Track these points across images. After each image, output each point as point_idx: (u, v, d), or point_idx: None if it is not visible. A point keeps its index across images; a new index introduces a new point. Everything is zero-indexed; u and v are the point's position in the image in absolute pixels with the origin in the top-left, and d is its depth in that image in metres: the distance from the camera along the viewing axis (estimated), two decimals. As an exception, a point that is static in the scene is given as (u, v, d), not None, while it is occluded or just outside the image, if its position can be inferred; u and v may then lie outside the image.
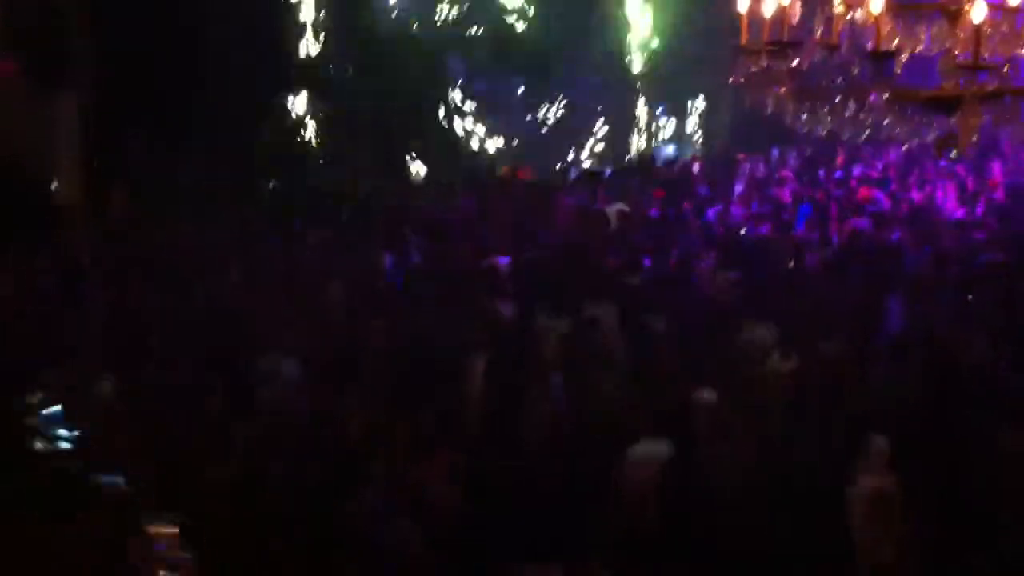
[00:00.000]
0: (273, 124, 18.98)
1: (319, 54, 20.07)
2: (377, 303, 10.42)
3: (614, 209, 15.22)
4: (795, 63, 5.80)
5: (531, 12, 22.62)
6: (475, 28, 21.89)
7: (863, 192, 16.70)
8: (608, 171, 20.48)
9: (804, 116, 5.91)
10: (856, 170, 19.28)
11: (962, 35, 5.58)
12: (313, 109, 20.08)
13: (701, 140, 25.39)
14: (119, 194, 15.99)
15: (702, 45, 22.22)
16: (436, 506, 6.84)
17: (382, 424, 7.58)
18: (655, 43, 24.61)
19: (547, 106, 23.22)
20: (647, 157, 23.56)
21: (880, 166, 19.71)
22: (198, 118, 16.93)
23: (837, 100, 5.67)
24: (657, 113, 24.70)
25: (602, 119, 24.14)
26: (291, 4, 20.00)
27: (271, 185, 17.53)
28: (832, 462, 6.95)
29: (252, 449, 7.34)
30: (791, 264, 12.25)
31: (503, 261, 11.88)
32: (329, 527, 6.64)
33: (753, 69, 5.89)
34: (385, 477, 6.94)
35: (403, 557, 6.34)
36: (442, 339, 9.30)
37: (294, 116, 19.53)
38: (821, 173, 19.30)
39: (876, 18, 5.28)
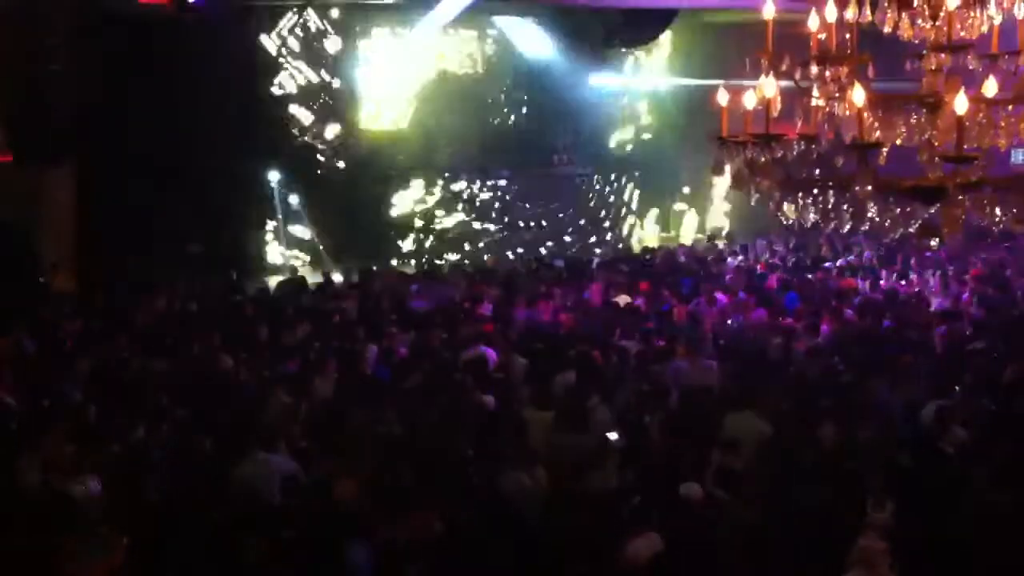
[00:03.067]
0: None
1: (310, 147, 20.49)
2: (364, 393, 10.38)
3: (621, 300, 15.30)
4: (779, 155, 5.85)
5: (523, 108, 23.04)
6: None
7: (847, 282, 16.80)
8: (596, 261, 20.59)
9: (788, 207, 5.94)
10: (840, 260, 19.44)
11: (941, 125, 5.65)
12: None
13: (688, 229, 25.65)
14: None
15: (689, 137, 22.64)
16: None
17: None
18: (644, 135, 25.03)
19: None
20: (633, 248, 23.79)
21: (865, 256, 19.88)
22: (181, 188, 17.28)
23: (816, 191, 5.69)
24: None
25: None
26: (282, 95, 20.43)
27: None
28: (823, 556, 6.86)
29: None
30: (779, 353, 12.27)
31: (489, 352, 11.86)
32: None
33: (736, 160, 5.93)
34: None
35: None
36: (427, 429, 9.25)
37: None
38: (807, 262, 19.46)
39: (859, 110, 5.33)
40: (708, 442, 8.84)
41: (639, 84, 24.81)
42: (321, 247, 20.87)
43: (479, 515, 7.65)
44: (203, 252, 18.32)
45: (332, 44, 20.91)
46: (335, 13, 20.64)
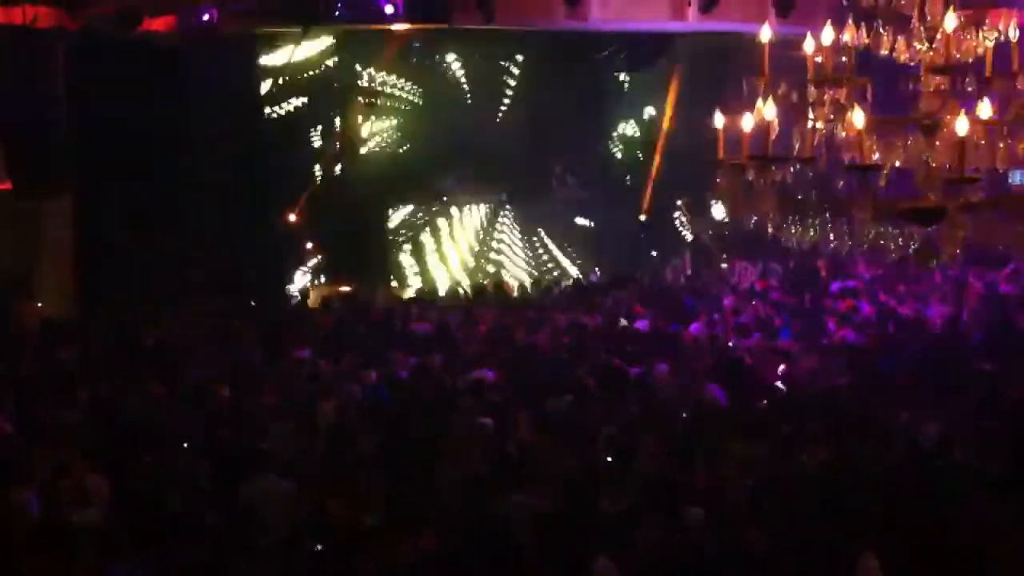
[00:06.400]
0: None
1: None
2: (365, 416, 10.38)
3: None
4: (778, 177, 5.87)
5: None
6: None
7: (846, 303, 16.76)
8: (595, 280, 20.60)
9: (787, 228, 5.96)
10: (839, 281, 19.40)
11: (939, 146, 5.67)
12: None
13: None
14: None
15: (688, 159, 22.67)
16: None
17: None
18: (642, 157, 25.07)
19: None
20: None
21: (864, 277, 19.85)
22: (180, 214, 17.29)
23: (811, 213, 5.71)
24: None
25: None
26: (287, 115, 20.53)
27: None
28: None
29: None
30: (778, 374, 12.26)
31: (488, 375, 11.85)
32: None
33: (735, 182, 5.95)
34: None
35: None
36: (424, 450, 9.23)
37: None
38: (806, 283, 19.42)
39: (859, 132, 5.36)
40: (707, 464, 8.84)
41: (637, 107, 24.86)
42: (320, 268, 20.94)
43: (475, 537, 7.62)
44: (202, 278, 18.32)
45: (329, 67, 20.99)
46: (333, 37, 20.71)
